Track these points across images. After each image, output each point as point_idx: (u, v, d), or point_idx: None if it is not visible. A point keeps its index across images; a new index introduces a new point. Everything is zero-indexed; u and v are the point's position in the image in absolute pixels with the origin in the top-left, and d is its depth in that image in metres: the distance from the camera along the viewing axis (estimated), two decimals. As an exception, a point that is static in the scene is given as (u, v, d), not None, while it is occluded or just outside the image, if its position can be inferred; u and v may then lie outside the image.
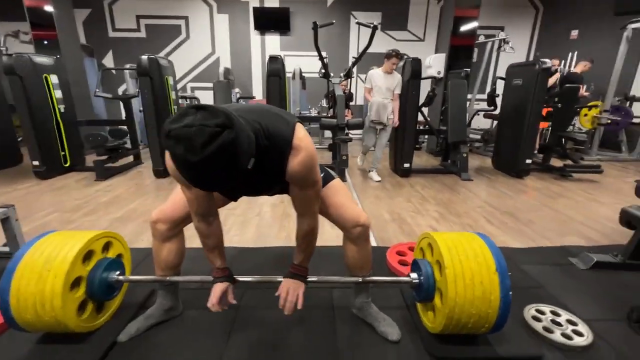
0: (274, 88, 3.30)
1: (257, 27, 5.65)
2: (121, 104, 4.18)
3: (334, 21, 3.10)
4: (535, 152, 4.02)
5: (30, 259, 1.12)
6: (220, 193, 1.15)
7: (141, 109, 4.17)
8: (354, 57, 3.57)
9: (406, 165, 3.64)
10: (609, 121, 4.68)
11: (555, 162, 3.94)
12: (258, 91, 6.05)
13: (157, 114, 3.37)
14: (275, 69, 3.27)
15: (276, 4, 5.61)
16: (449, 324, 1.13)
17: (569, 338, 1.28)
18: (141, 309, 1.42)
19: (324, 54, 5.89)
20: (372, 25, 3.07)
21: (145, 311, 1.35)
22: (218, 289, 1.14)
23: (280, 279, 1.25)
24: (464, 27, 4.51)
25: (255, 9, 5.54)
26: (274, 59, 3.29)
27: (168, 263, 1.26)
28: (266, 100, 3.50)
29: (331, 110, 4.96)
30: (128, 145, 4.06)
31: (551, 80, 4.26)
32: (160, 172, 3.51)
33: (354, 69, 3.89)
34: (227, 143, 0.64)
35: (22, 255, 1.13)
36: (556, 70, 4.42)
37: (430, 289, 1.22)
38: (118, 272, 1.28)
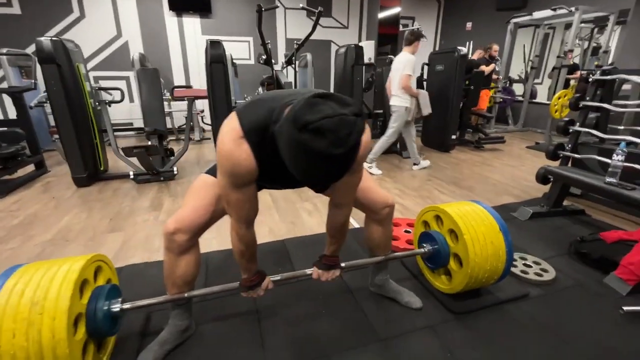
0: (218, 76, 3.04)
1: (172, 8, 5.03)
2: (7, 99, 3.30)
3: (278, 5, 2.98)
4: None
5: (5, 306, 0.85)
6: (289, 186, 1.08)
7: (32, 104, 3.37)
8: (296, 43, 3.51)
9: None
10: (501, 99, 5.68)
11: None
12: (180, 80, 5.46)
13: (71, 110, 2.77)
14: (218, 55, 3.00)
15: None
16: (469, 282, 1.28)
17: (540, 275, 1.58)
18: (145, 336, 1.23)
19: (250, 39, 5.67)
20: (317, 11, 3.06)
21: (155, 338, 1.17)
22: (265, 284, 1.15)
23: (309, 271, 1.23)
24: (389, 16, 4.83)
25: (168, -14, 4.92)
26: (215, 44, 3.01)
27: (186, 277, 1.11)
28: (209, 91, 3.20)
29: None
30: (27, 151, 3.26)
31: (488, 69, 4.66)
32: (84, 180, 2.94)
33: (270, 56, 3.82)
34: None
35: None
36: (492, 58, 4.76)
37: (446, 256, 1.35)
38: (120, 300, 1.07)
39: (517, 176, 3.28)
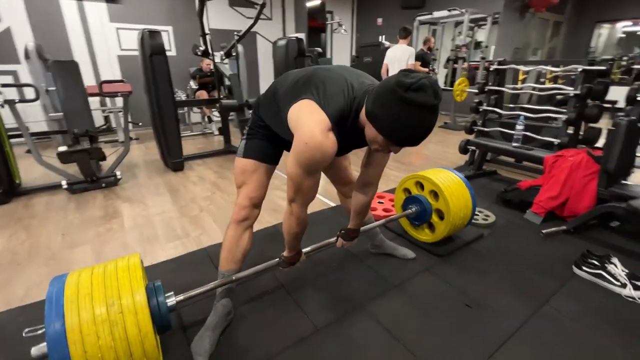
0: (161, 69, 2.82)
1: (68, -11, 4.30)
2: None
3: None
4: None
5: (77, 315, 0.82)
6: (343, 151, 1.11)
7: None
8: (236, 34, 3.46)
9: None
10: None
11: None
12: (87, 75, 4.72)
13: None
14: (158, 46, 2.77)
15: (93, -39, 4.40)
16: (450, 229, 1.63)
17: (486, 220, 2.07)
18: (185, 329, 1.24)
19: (169, 28, 5.23)
20: (260, 3, 3.09)
21: (192, 328, 1.22)
22: (303, 258, 1.28)
23: (332, 239, 1.40)
24: (314, 10, 5.06)
25: (60, -37, 4.15)
26: (154, 34, 2.77)
27: (245, 251, 1.26)
28: (148, 85, 2.93)
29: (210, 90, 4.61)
30: None
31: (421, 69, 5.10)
32: (0, 198, 2.44)
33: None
34: None
35: (56, 318, 0.80)
36: (430, 50, 5.27)
37: (430, 213, 1.68)
38: (172, 294, 1.08)
39: (441, 150, 3.95)
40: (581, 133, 2.70)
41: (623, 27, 7.96)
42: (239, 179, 1.24)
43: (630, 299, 1.40)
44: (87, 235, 2.02)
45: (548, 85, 3.04)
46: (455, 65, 6.57)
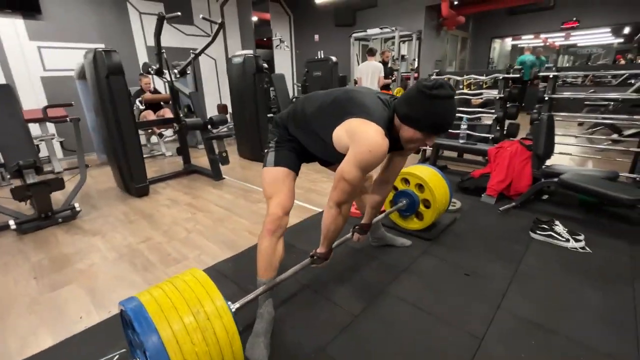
0: (119, 89, 2.65)
1: (-25, 3, 3.72)
2: None
3: (180, 13, 2.86)
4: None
5: (169, 327, 0.83)
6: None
7: None
8: (192, 52, 3.41)
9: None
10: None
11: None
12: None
13: None
14: (116, 65, 2.60)
15: (5, -27, 3.88)
16: (436, 215, 1.91)
17: (455, 205, 2.42)
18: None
19: (101, 47, 4.82)
20: (218, 23, 3.12)
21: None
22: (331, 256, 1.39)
23: (348, 235, 1.55)
24: (262, 27, 5.20)
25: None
26: (110, 53, 2.60)
27: (281, 258, 1.31)
28: (102, 108, 2.70)
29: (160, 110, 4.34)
30: None
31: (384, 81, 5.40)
32: None
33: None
34: None
35: (150, 332, 0.81)
36: (385, 63, 5.58)
37: (417, 204, 1.94)
38: (229, 302, 1.11)
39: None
40: (505, 128, 3.32)
41: (511, 42, 9.74)
42: (270, 190, 1.31)
43: (574, 249, 1.82)
44: (67, 275, 1.82)
45: (478, 90, 3.63)
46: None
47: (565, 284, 1.55)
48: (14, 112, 2.62)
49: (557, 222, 1.95)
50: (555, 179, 2.14)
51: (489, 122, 3.51)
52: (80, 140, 2.75)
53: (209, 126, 3.29)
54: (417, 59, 6.66)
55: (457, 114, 3.58)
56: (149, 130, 4.74)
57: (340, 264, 1.76)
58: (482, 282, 1.58)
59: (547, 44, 10.38)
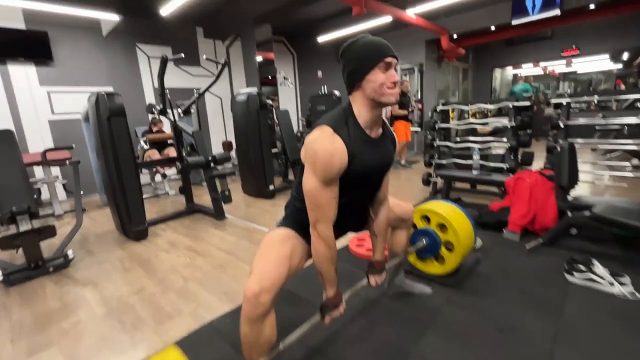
0: (120, 131, 2.60)
1: (-10, 53, 3.86)
2: None
3: (183, 54, 2.89)
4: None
5: None
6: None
7: None
8: (196, 91, 3.42)
9: (271, 187, 3.92)
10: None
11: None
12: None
13: None
14: (118, 108, 2.58)
15: (21, 25, 4.06)
16: (461, 259, 1.71)
17: (475, 243, 2.21)
18: None
19: (109, 89, 4.95)
20: (222, 63, 3.15)
21: None
22: (342, 308, 1.16)
23: (364, 282, 1.35)
24: (266, 67, 5.32)
25: (-21, 27, 3.74)
26: (112, 96, 2.59)
27: (272, 341, 1.05)
28: (103, 149, 2.65)
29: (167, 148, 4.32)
30: None
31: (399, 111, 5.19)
32: None
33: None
34: None
35: None
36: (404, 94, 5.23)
37: (438, 246, 1.75)
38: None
39: (401, 186, 4.22)
40: (519, 157, 3.17)
41: (514, 72, 9.88)
42: (257, 256, 1.09)
43: (622, 296, 1.58)
44: (48, 336, 1.63)
45: (487, 119, 3.54)
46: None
47: (622, 342, 1.31)
48: (14, 157, 2.57)
49: (594, 262, 1.73)
50: (587, 213, 1.95)
51: (500, 151, 3.38)
52: (78, 183, 2.67)
53: (212, 164, 3.22)
54: (419, 91, 6.71)
55: (469, 144, 3.47)
56: (154, 170, 4.70)
57: (354, 321, 1.55)
58: (521, 339, 1.35)
59: (547, 72, 10.53)
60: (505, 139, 3.16)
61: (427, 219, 1.82)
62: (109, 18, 4.64)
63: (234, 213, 3.44)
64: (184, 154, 3.45)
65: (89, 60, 4.71)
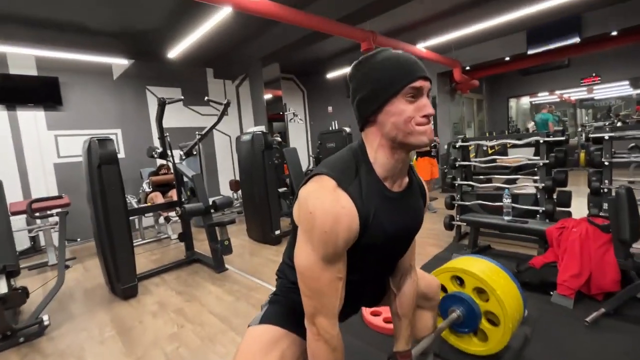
0: (111, 179, 2.41)
1: (2, 100, 3.90)
2: None
3: (183, 97, 2.77)
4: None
5: None
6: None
7: None
8: (197, 133, 3.27)
9: (275, 232, 3.61)
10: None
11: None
12: (14, 188, 4.04)
13: None
14: (109, 155, 2.40)
15: (34, 72, 4.14)
16: (509, 336, 1.31)
17: (518, 313, 1.79)
18: None
19: (117, 131, 4.92)
20: (224, 103, 3.01)
21: None
22: None
23: None
24: (271, 101, 5.24)
25: (-6, 76, 3.82)
26: (104, 142, 2.42)
27: None
28: (94, 197, 2.46)
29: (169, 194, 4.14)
30: None
31: None
32: None
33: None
34: None
35: None
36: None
37: (477, 317, 1.36)
38: None
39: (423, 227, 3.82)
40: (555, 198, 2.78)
41: (530, 100, 9.60)
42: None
43: None
44: None
45: (514, 157, 3.21)
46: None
47: None
48: (2, 211, 2.39)
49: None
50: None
51: (531, 190, 2.99)
52: (63, 237, 2.45)
53: (213, 210, 2.96)
54: (433, 124, 6.48)
55: (498, 185, 3.11)
56: (158, 212, 4.50)
57: None
58: None
59: (563, 98, 10.19)
60: (536, 177, 2.80)
61: (459, 281, 1.45)
62: (120, 63, 4.72)
63: (235, 264, 3.11)
64: (183, 199, 3.23)
65: (98, 103, 4.74)
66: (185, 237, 3.40)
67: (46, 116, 4.32)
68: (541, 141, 2.69)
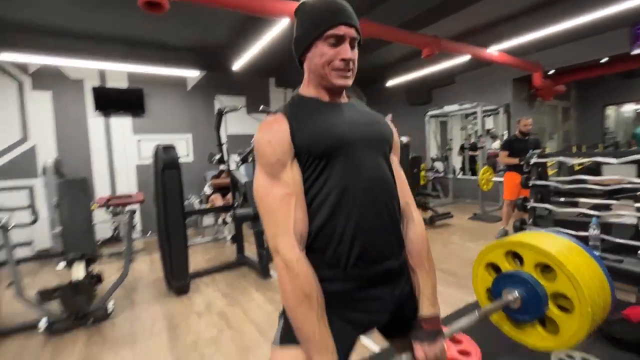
0: (172, 183, 2.63)
1: (98, 108, 4.58)
2: None
3: (240, 106, 2.91)
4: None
5: None
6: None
7: None
8: (252, 142, 3.40)
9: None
10: (432, 177, 6.34)
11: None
12: (103, 184, 4.71)
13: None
14: (172, 160, 2.63)
15: (124, 84, 4.80)
16: (590, 326, 0.98)
17: None
18: None
19: (189, 136, 5.42)
20: (273, 112, 3.06)
21: None
22: None
23: (405, 357, 0.80)
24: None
25: (95, 89, 4.50)
26: (168, 149, 2.66)
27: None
28: (157, 198, 2.72)
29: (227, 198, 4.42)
30: None
31: None
32: None
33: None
34: None
35: None
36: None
37: (542, 301, 1.04)
38: None
39: (481, 245, 3.41)
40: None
41: (634, 108, 8.08)
42: None
43: None
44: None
45: (607, 177, 2.66)
46: (471, 153, 6.53)
47: None
48: (83, 204, 2.76)
49: None
50: None
51: (629, 220, 2.44)
52: (130, 234, 2.71)
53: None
54: (507, 134, 5.81)
55: (584, 211, 2.61)
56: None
57: None
58: None
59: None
60: (639, 205, 2.27)
61: (517, 258, 1.15)
62: (192, 75, 5.19)
63: (280, 271, 3.14)
64: (236, 203, 3.37)
65: (174, 110, 5.27)
66: (237, 239, 3.54)
67: (132, 122, 4.94)
68: (647, 161, 2.17)
